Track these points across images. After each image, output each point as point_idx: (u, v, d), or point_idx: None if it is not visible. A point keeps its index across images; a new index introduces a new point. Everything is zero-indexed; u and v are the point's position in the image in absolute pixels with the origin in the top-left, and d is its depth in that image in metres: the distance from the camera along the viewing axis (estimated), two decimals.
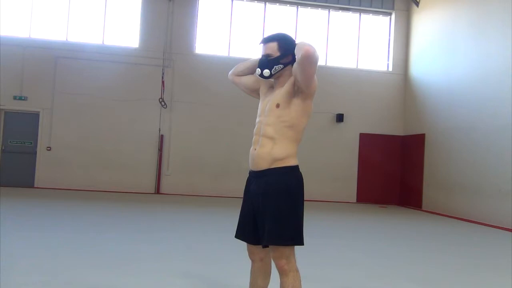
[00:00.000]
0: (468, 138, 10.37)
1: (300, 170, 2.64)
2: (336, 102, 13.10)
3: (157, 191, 12.34)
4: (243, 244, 2.80)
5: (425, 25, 12.70)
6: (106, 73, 12.24)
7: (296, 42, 2.58)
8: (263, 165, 2.58)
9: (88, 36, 12.47)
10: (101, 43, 12.47)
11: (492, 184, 9.46)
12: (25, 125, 12.04)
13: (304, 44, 2.36)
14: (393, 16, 13.64)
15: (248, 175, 2.75)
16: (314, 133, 12.27)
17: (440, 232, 8.44)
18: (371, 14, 13.66)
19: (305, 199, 2.63)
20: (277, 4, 13.19)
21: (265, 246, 2.59)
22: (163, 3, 12.62)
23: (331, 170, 13.01)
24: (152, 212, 8.86)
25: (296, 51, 2.45)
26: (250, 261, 2.80)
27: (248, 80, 2.94)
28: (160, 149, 12.44)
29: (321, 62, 12.68)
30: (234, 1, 13.03)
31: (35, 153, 11.99)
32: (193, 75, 12.62)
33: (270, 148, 2.57)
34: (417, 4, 12.99)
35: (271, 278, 2.80)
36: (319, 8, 13.37)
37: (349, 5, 13.35)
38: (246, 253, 2.79)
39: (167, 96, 12.41)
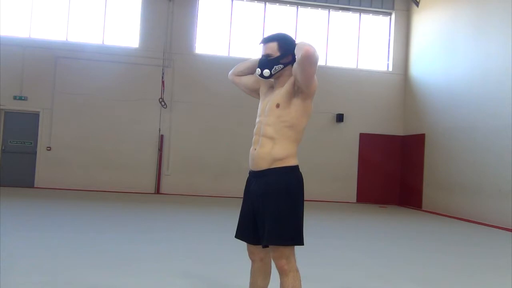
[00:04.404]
0: (468, 138, 10.37)
1: (300, 170, 2.64)
2: (336, 102, 13.09)
3: (157, 191, 12.34)
4: (243, 244, 2.80)
5: (425, 25, 12.70)
6: (106, 73, 12.24)
7: (296, 42, 2.58)
8: (263, 165, 2.58)
9: (88, 36, 12.47)
10: (101, 43, 12.47)
11: (492, 184, 9.46)
12: (25, 125, 12.04)
13: (304, 44, 2.36)
14: (393, 16, 13.64)
15: (248, 175, 2.75)
16: (314, 133, 12.27)
17: (440, 232, 8.44)
18: (371, 14, 13.66)
19: (305, 199, 2.62)
20: (277, 4, 13.19)
21: (265, 246, 2.59)
22: (163, 3, 12.62)
23: (331, 170, 13.01)
24: (152, 212, 8.86)
25: (296, 51, 2.45)
26: (250, 261, 2.80)
27: (248, 80, 2.94)
28: (160, 149, 12.44)
29: (321, 62, 12.68)
30: (234, 1, 13.03)
31: (35, 153, 11.99)
32: (193, 75, 12.62)
33: (270, 148, 2.57)
34: (417, 4, 12.99)
35: (271, 278, 2.80)
36: (319, 8, 13.37)
37: (349, 5, 13.35)
38: (246, 253, 2.79)
39: (167, 96, 12.41)
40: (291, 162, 2.58)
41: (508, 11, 9.35)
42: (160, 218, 8.12)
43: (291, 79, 2.57)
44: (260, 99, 2.82)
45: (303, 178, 2.63)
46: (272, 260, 2.63)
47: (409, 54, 13.46)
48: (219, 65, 12.24)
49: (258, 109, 2.75)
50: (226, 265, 4.71)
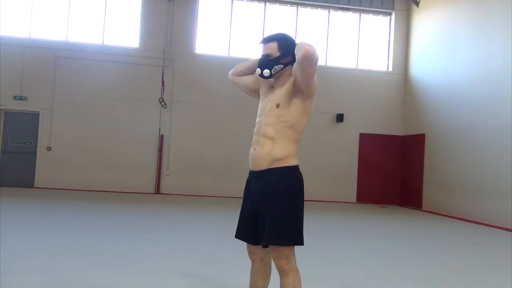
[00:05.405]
0: (468, 138, 10.37)
1: (300, 170, 2.64)
2: (336, 102, 13.09)
3: (157, 191, 12.34)
4: (243, 244, 2.80)
5: (425, 25, 12.70)
6: (106, 73, 12.24)
7: (296, 42, 2.58)
8: (263, 165, 2.58)
9: (88, 36, 12.47)
10: (101, 43, 12.47)
11: (492, 184, 9.46)
12: (25, 125, 12.04)
13: (304, 44, 2.36)
14: (393, 16, 13.64)
15: (248, 175, 2.75)
16: (314, 133, 12.27)
17: (440, 232, 8.44)
18: (371, 14, 13.66)
19: (305, 199, 2.62)
20: (277, 4, 13.19)
21: (265, 246, 2.59)
22: (163, 3, 12.62)
23: (331, 170, 13.01)
24: (152, 212, 8.87)
25: (296, 51, 2.45)
26: (250, 261, 2.80)
27: (248, 80, 2.94)
28: (160, 149, 12.44)
29: (321, 62, 12.68)
30: (234, 1, 13.03)
31: (35, 153, 11.99)
32: (193, 75, 12.62)
33: (270, 148, 2.57)
34: (417, 4, 12.99)
35: (271, 278, 2.80)
36: (319, 8, 13.37)
37: (349, 5, 13.35)
38: (246, 253, 2.79)
39: (167, 96, 12.41)
40: (291, 162, 2.58)
41: (508, 11, 9.35)
42: (160, 218, 8.12)
43: (291, 79, 2.57)
44: (260, 99, 2.82)
45: (303, 178, 2.63)
46: (272, 260, 2.63)
47: (409, 54, 13.46)
48: (219, 65, 12.24)
49: (258, 109, 2.75)
50: (226, 265, 4.71)
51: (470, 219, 9.93)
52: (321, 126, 12.87)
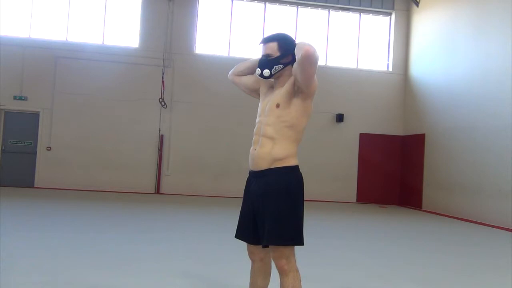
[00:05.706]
0: (468, 138, 10.37)
1: (300, 170, 2.64)
2: (336, 102, 13.09)
3: (157, 191, 12.34)
4: (243, 244, 2.80)
5: (425, 25, 12.70)
6: (106, 73, 12.23)
7: (296, 42, 2.58)
8: (263, 165, 2.58)
9: (88, 36, 12.47)
10: (101, 43, 12.47)
11: (492, 184, 9.46)
12: (25, 125, 12.04)
13: (304, 44, 2.36)
14: (393, 16, 13.64)
15: (248, 175, 2.75)
16: (314, 133, 12.27)
17: (440, 232, 8.44)
18: (371, 14, 13.66)
19: (305, 199, 2.63)
20: (277, 4, 13.19)
21: (265, 246, 2.59)
22: (163, 3, 12.62)
23: (331, 170, 13.01)
24: (152, 212, 8.87)
25: (296, 51, 2.45)
26: (250, 261, 2.80)
27: (248, 80, 2.94)
28: (160, 149, 12.44)
29: (321, 62, 12.68)
30: (234, 1, 13.03)
31: (35, 153, 11.99)
32: (193, 75, 12.62)
33: (270, 148, 2.57)
34: (417, 4, 12.99)
35: (271, 278, 2.80)
36: (319, 8, 13.37)
37: (349, 5, 13.35)
38: (246, 253, 2.79)
39: (167, 96, 12.41)
40: (291, 162, 2.58)
41: (508, 11, 9.35)
42: (160, 218, 8.12)
43: (291, 79, 2.57)
44: (260, 99, 2.82)
45: (303, 178, 2.63)
46: (272, 260, 2.63)
47: (409, 54, 13.46)
48: (219, 65, 12.24)
49: (258, 109, 2.75)
50: (226, 265, 4.71)
51: (470, 219, 9.93)
52: (321, 126, 12.87)
